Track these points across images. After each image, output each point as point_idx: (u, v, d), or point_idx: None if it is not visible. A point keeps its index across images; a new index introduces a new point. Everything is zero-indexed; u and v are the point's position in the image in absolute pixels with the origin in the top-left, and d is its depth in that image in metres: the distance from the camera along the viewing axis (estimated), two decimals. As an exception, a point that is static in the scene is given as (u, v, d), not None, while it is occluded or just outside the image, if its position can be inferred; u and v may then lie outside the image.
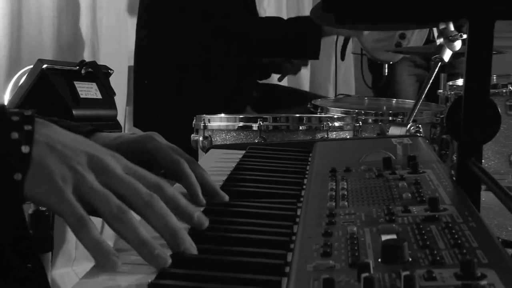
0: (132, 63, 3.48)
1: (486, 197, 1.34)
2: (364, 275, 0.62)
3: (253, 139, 2.10)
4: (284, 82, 4.20)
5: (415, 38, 3.67)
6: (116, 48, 3.40)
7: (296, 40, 2.80)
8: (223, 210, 0.98)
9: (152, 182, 0.85)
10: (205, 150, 2.18)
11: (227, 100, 2.80)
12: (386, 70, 3.56)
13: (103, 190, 0.79)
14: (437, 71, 2.19)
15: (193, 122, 2.29)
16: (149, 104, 2.84)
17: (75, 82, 2.25)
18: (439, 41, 2.20)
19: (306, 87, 4.95)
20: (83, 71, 2.31)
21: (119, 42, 3.44)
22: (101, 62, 3.25)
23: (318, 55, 2.85)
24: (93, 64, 2.39)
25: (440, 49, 2.19)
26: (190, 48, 2.82)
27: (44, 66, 2.21)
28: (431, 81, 2.09)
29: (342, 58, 3.54)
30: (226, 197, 1.03)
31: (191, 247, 0.79)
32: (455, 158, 2.58)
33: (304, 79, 4.84)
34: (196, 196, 1.01)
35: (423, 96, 2.08)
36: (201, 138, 2.21)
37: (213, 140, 2.18)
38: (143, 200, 0.81)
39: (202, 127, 2.20)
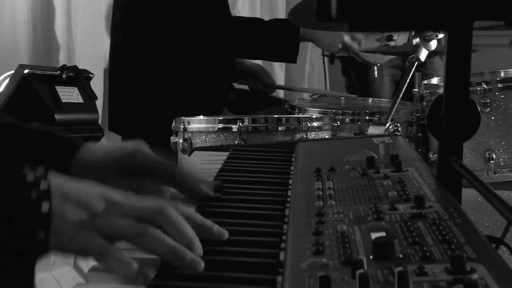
0: (107, 66, 3.48)
1: (463, 193, 1.37)
2: (359, 271, 0.64)
3: (233, 140, 2.11)
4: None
5: (400, 39, 3.71)
6: (92, 51, 3.39)
7: (275, 42, 2.81)
8: (213, 212, 1.00)
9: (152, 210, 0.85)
10: (186, 152, 2.20)
11: (204, 102, 2.80)
12: (376, 72, 3.58)
13: (122, 219, 0.81)
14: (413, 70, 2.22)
15: (173, 125, 2.30)
16: (124, 107, 2.84)
17: (56, 87, 2.25)
18: (415, 40, 2.23)
19: (273, 92, 4.97)
20: (64, 76, 2.31)
21: (95, 45, 3.43)
22: (77, 65, 3.25)
23: (296, 59, 2.86)
24: (74, 68, 2.39)
25: (416, 48, 2.22)
26: (166, 50, 2.82)
27: (26, 71, 2.21)
28: (408, 80, 2.12)
29: (332, 62, 3.56)
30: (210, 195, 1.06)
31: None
32: (431, 155, 2.62)
33: (278, 79, 4.86)
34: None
35: (401, 95, 2.11)
36: (181, 140, 2.22)
37: (193, 142, 2.20)
38: (156, 210, 0.83)
39: (182, 129, 2.21)
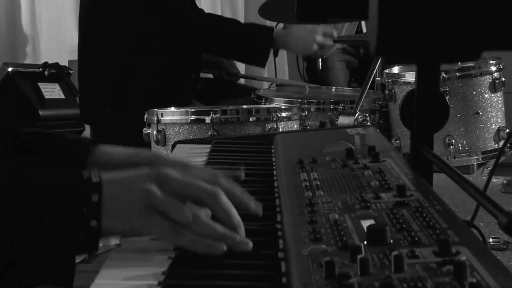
0: (72, 57, 3.50)
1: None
2: (359, 256, 0.72)
3: (206, 131, 2.18)
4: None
5: (345, 30, 3.80)
6: (56, 44, 3.42)
7: (247, 45, 2.88)
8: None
9: (208, 179, 0.95)
10: (160, 143, 2.26)
11: (173, 93, 2.86)
12: (320, 64, 3.67)
13: (174, 202, 0.89)
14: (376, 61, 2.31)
15: (145, 116, 2.35)
16: (96, 99, 2.88)
17: (39, 84, 2.29)
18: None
19: (237, 81, 5.05)
20: (46, 73, 2.35)
21: (59, 37, 3.46)
22: (42, 57, 3.28)
23: (265, 64, 2.94)
24: (56, 65, 2.44)
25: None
26: (134, 41, 2.87)
27: (10, 69, 2.25)
28: (375, 71, 2.21)
29: (276, 55, 3.65)
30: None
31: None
32: (393, 142, 2.73)
33: (239, 67, 4.92)
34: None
35: (368, 86, 2.20)
36: (154, 132, 2.28)
37: (166, 133, 2.26)
38: (210, 193, 0.92)
39: (155, 121, 2.27)
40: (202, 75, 3.37)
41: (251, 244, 0.87)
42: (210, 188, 0.92)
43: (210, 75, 3.60)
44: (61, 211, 0.84)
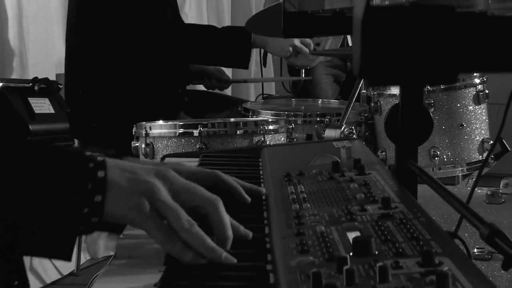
0: (59, 71, 3.52)
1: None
2: (345, 267, 0.74)
3: (194, 144, 2.20)
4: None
5: (330, 43, 3.84)
6: (44, 58, 3.44)
7: (227, 49, 2.91)
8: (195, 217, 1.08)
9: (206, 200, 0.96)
10: (149, 156, 2.28)
11: (161, 106, 2.88)
12: (303, 75, 3.71)
13: (174, 205, 0.91)
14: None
15: (134, 130, 2.37)
16: (83, 113, 2.90)
17: (29, 98, 2.32)
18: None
19: (228, 88, 5.08)
20: (36, 88, 2.38)
21: (47, 51, 3.48)
22: (29, 72, 3.29)
23: (248, 65, 2.97)
24: (45, 80, 2.47)
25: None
26: (121, 56, 2.89)
27: (0, 84, 2.28)
28: (361, 84, 2.24)
29: (264, 65, 3.68)
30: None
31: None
32: (379, 154, 2.76)
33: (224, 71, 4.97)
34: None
35: (354, 99, 2.23)
36: (143, 145, 2.30)
37: (155, 146, 2.28)
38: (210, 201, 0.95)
39: (143, 135, 2.29)
40: (190, 87, 3.40)
41: (235, 260, 0.88)
42: (212, 196, 0.95)
43: (197, 87, 3.63)
44: (67, 184, 0.86)
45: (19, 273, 1.13)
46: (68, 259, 0.87)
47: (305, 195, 1.11)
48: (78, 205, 0.86)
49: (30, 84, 2.41)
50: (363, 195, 1.07)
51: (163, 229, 0.90)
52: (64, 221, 0.86)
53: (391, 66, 0.49)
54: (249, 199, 1.14)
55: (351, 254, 0.83)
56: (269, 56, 3.85)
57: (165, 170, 0.94)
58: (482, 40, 0.50)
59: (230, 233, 0.93)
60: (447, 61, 0.48)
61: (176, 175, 0.95)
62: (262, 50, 3.58)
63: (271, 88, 5.40)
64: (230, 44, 2.89)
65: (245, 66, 2.94)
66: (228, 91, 5.05)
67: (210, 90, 3.43)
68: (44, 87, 2.43)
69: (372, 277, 0.75)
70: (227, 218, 0.94)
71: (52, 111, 2.43)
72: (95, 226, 0.87)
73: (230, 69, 5.14)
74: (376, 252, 0.83)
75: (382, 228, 0.91)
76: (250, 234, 0.97)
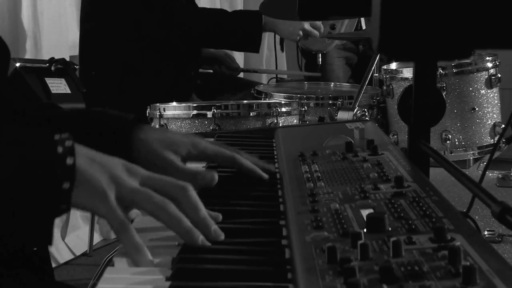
0: (73, 53, 3.54)
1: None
2: (360, 242, 0.76)
3: (208, 126, 2.22)
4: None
5: (346, 26, 3.85)
6: (58, 40, 3.46)
7: (238, 33, 2.92)
8: (214, 193, 1.10)
9: (176, 186, 0.95)
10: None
11: (173, 89, 2.90)
12: (320, 60, 3.72)
13: (144, 189, 0.91)
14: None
15: (147, 111, 2.39)
16: (96, 94, 2.92)
17: (46, 79, 2.35)
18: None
19: (238, 75, 5.10)
20: (53, 68, 2.41)
21: (61, 33, 3.50)
22: (43, 53, 3.32)
23: (259, 49, 2.98)
24: (62, 61, 2.49)
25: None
26: (134, 39, 2.91)
27: (17, 64, 2.30)
28: (373, 67, 2.26)
29: (282, 50, 3.69)
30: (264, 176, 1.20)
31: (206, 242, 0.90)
32: (391, 137, 2.77)
33: (238, 62, 4.97)
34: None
35: (366, 82, 2.24)
36: (157, 126, 2.32)
37: (169, 127, 2.30)
38: (179, 187, 0.94)
39: (157, 116, 2.31)
40: (202, 70, 3.42)
41: (222, 237, 0.89)
42: (180, 183, 0.94)
43: (210, 70, 3.64)
44: (35, 171, 0.84)
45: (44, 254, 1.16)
46: (48, 242, 0.86)
47: (319, 174, 1.13)
48: (46, 190, 0.85)
49: (47, 64, 2.44)
50: (376, 175, 1.09)
51: (121, 219, 0.88)
52: (35, 205, 0.85)
53: (409, 40, 0.50)
54: (266, 176, 1.16)
55: (365, 230, 0.85)
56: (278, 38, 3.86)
57: (131, 165, 0.94)
58: (500, 15, 0.51)
59: (203, 214, 0.92)
60: (465, 35, 0.49)
61: (139, 168, 0.95)
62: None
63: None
64: (241, 27, 2.89)
65: (256, 50, 2.95)
66: (240, 74, 5.06)
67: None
68: (60, 67, 2.46)
69: (386, 252, 0.77)
70: (198, 201, 0.93)
71: (69, 91, 2.46)
72: (64, 210, 0.86)
73: (242, 57, 5.17)
74: (390, 229, 0.84)
75: (395, 206, 0.93)
76: (221, 235, 0.92)
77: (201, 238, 0.88)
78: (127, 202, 0.90)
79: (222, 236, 0.90)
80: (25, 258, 1.10)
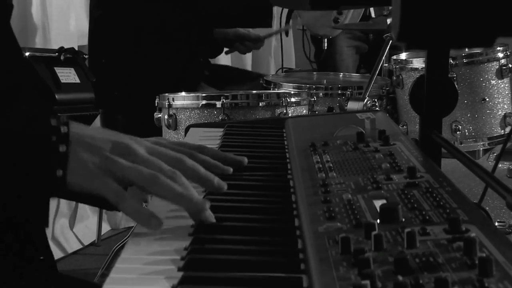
0: (81, 43, 3.54)
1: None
2: (374, 233, 0.75)
3: (217, 116, 2.21)
4: (228, 57, 4.32)
5: (352, 13, 3.83)
6: (66, 30, 3.46)
7: (248, 9, 2.91)
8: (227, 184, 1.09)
9: (173, 157, 0.98)
10: (172, 127, 2.30)
11: (182, 78, 2.89)
12: (326, 44, 3.70)
13: (133, 165, 0.93)
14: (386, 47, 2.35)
15: (156, 101, 2.39)
16: (106, 82, 2.91)
17: (55, 68, 2.35)
18: (389, 20, 2.35)
19: (248, 59, 5.08)
20: (62, 57, 2.41)
21: (69, 23, 3.49)
22: (52, 43, 3.32)
23: (271, 23, 2.96)
24: (71, 50, 2.49)
25: (390, 28, 2.34)
26: (144, 27, 2.89)
27: (27, 53, 2.30)
28: (384, 57, 2.24)
29: (287, 34, 3.68)
30: (245, 160, 1.17)
31: (210, 217, 0.91)
32: (400, 127, 2.76)
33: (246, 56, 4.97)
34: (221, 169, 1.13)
35: (376, 73, 2.23)
36: (166, 116, 2.31)
37: (177, 117, 2.29)
38: (167, 175, 0.93)
39: (166, 106, 2.30)
40: (228, 52, 3.40)
41: (208, 205, 0.90)
42: (168, 171, 0.94)
43: (217, 61, 3.63)
44: (28, 157, 0.88)
45: (44, 247, 1.17)
46: (45, 224, 0.91)
47: (331, 165, 1.12)
48: (40, 177, 0.88)
49: (56, 54, 2.44)
50: (388, 165, 1.08)
51: (115, 190, 0.90)
52: (29, 189, 0.89)
53: (431, 28, 0.49)
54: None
55: (378, 221, 0.84)
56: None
57: (123, 144, 0.95)
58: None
59: (204, 173, 0.98)
60: (487, 22, 0.49)
61: (135, 147, 0.96)
62: (284, 20, 3.58)
63: (291, 62, 5.40)
64: (250, 3, 2.88)
65: (269, 24, 2.94)
66: (248, 66, 5.05)
67: (228, 65, 3.43)
68: (69, 57, 2.46)
69: (400, 243, 0.76)
70: (197, 166, 0.97)
71: (78, 80, 2.46)
72: (58, 196, 0.90)
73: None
74: (403, 219, 0.84)
75: (409, 196, 0.92)
76: (224, 185, 0.99)
77: (195, 200, 0.90)
78: (120, 179, 0.92)
79: (225, 187, 0.97)
80: (20, 246, 1.11)
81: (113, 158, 0.92)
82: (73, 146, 0.90)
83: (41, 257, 1.16)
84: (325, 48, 3.69)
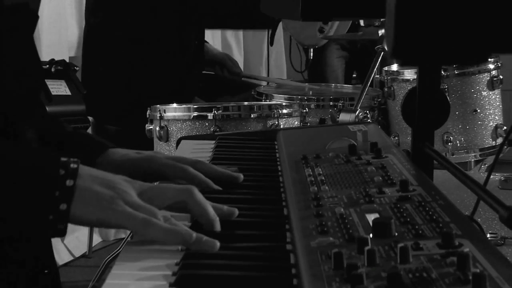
0: (72, 54, 3.53)
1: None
2: (366, 248, 0.75)
3: (208, 127, 2.21)
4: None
5: (337, 27, 3.83)
6: (57, 41, 3.45)
7: (253, 11, 2.90)
8: (216, 198, 1.09)
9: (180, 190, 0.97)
10: (163, 139, 2.29)
11: (176, 91, 2.88)
12: (311, 54, 3.70)
13: (146, 205, 0.91)
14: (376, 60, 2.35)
15: (148, 113, 2.38)
16: (99, 92, 2.88)
17: (46, 80, 2.35)
18: (381, 32, 2.35)
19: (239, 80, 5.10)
20: (53, 69, 2.41)
21: (60, 33, 3.48)
22: (43, 54, 3.30)
23: (276, 26, 2.94)
24: (62, 62, 2.49)
25: (382, 39, 2.35)
26: (140, 37, 2.87)
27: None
28: (375, 69, 2.25)
29: (271, 44, 3.68)
30: (240, 176, 1.16)
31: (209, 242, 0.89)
32: (392, 138, 2.76)
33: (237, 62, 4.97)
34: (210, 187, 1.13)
35: (368, 84, 2.23)
36: (157, 128, 2.30)
37: (169, 129, 2.28)
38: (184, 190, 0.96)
39: (158, 117, 2.30)
40: (204, 71, 3.40)
41: (218, 245, 0.86)
42: (184, 186, 0.95)
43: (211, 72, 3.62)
44: (34, 190, 0.88)
45: (50, 260, 1.16)
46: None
47: (323, 178, 1.12)
48: (44, 211, 0.88)
49: (47, 66, 2.44)
50: (380, 178, 1.08)
51: (140, 217, 0.88)
52: (28, 226, 0.89)
53: (424, 45, 0.49)
54: (218, 188, 1.13)
55: (371, 235, 0.83)
56: (278, 36, 3.84)
57: (133, 181, 0.96)
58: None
59: (212, 214, 0.94)
60: (481, 39, 0.48)
61: (142, 183, 0.96)
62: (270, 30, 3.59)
63: (282, 73, 5.40)
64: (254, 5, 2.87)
65: (273, 25, 2.93)
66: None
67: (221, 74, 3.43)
68: (60, 69, 2.46)
69: (393, 257, 0.76)
70: (205, 202, 0.95)
71: (69, 93, 2.46)
72: (62, 231, 0.89)
73: (242, 58, 5.16)
74: (396, 234, 0.83)
75: (401, 210, 0.91)
76: (235, 211, 0.97)
77: (193, 238, 0.87)
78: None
79: (236, 212, 0.95)
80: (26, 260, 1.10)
81: (126, 190, 0.92)
82: (83, 180, 0.90)
83: (46, 271, 1.16)
84: (311, 58, 3.69)
